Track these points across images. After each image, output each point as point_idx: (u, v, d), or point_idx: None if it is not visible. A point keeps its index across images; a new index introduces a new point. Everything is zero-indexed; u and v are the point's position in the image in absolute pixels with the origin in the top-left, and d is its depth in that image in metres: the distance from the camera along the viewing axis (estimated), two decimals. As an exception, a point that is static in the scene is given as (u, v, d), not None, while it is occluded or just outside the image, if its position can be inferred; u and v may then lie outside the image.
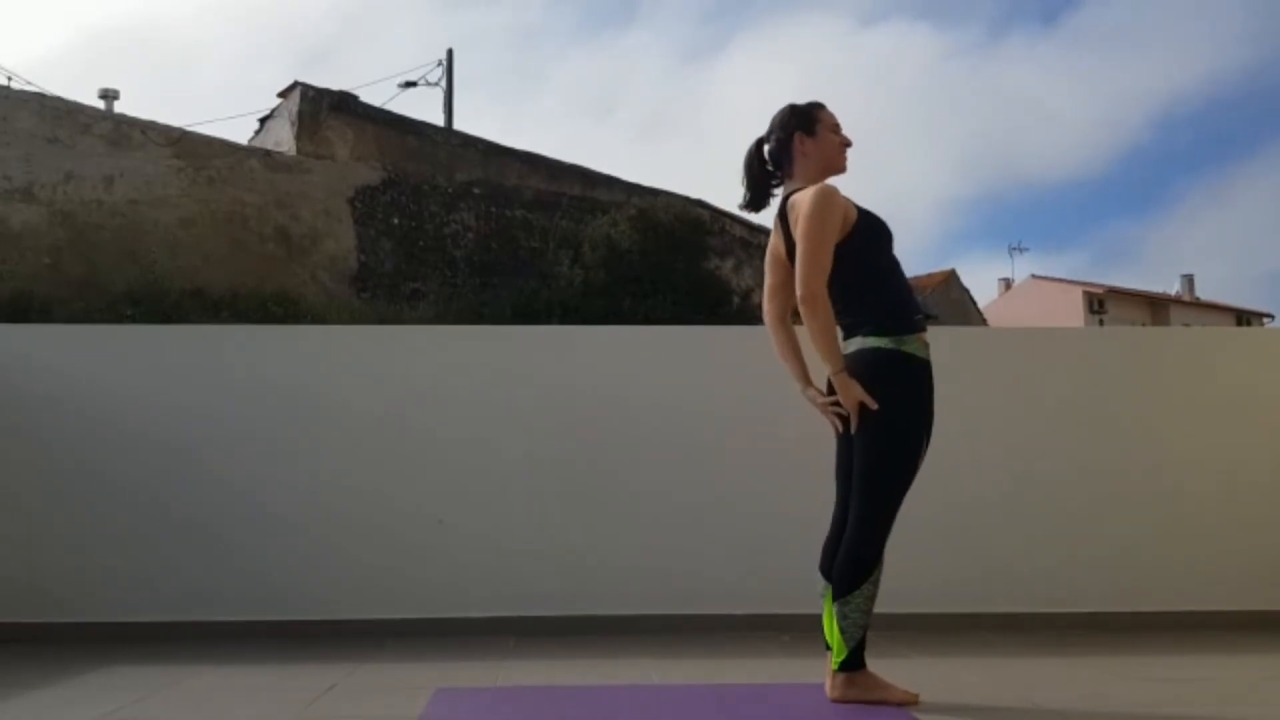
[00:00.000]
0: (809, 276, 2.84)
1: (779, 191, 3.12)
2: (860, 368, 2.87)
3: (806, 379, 3.05)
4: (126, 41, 53.70)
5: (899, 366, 2.86)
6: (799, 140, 3.03)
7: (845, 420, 2.89)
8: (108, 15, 50.47)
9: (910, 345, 2.88)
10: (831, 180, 3.01)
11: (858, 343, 2.92)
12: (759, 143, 3.11)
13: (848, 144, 3.08)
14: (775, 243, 3.08)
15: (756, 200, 3.14)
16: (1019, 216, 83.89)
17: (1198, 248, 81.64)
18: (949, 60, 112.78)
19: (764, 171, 3.10)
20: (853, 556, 2.84)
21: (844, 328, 2.98)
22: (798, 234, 2.90)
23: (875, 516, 2.85)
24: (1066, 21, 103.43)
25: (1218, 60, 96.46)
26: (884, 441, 2.83)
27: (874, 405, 2.80)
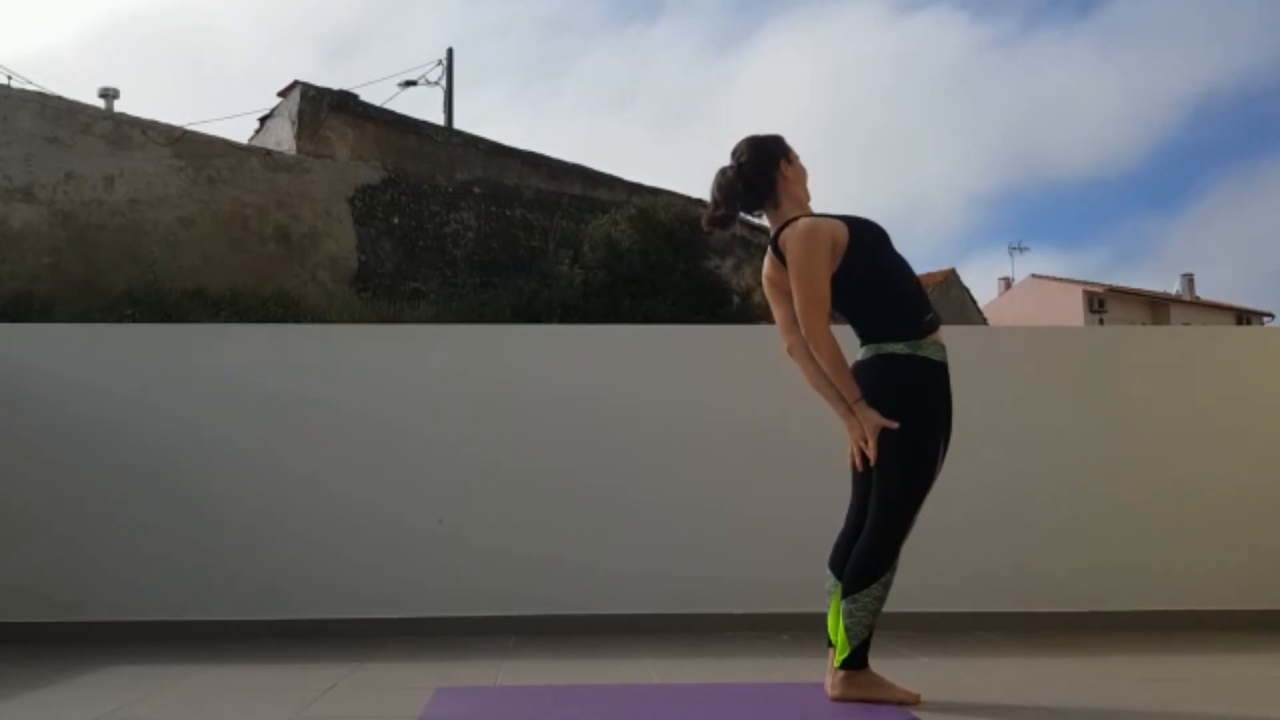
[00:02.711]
0: (810, 318, 2.86)
1: (753, 216, 3.11)
2: (877, 374, 2.87)
3: (847, 405, 2.91)
4: (150, 30, 53.73)
5: (916, 371, 2.86)
6: (783, 167, 3.01)
7: (866, 453, 2.86)
8: (126, 6, 50.53)
9: (926, 349, 2.87)
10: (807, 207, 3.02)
11: (873, 349, 2.91)
12: (733, 168, 3.04)
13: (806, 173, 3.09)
14: (775, 276, 3.02)
15: (728, 218, 3.08)
16: (1042, 213, 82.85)
17: (1221, 245, 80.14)
18: (984, 52, 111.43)
19: (738, 193, 3.03)
20: (868, 557, 2.83)
21: (859, 334, 2.98)
22: (791, 277, 2.90)
23: (893, 521, 2.84)
24: (1102, 13, 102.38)
25: (1253, 53, 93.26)
26: (904, 447, 2.82)
27: (895, 426, 2.79)
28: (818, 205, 3.07)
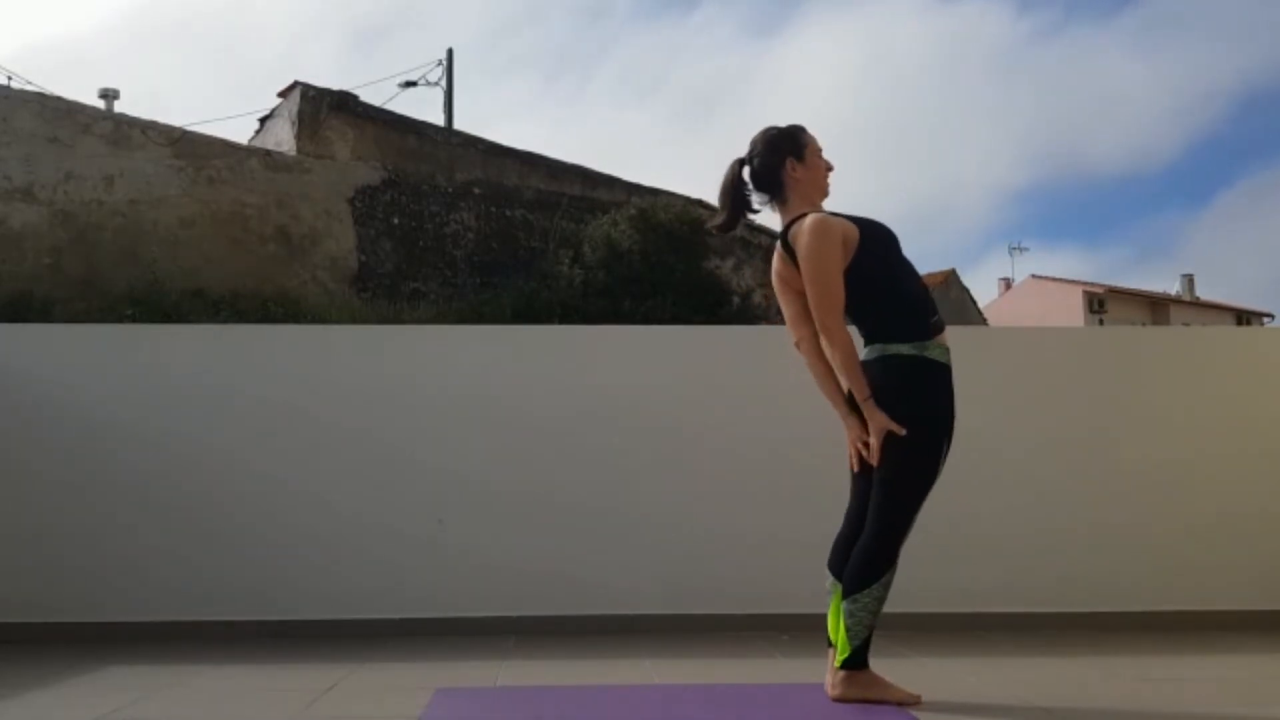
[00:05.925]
0: (824, 315, 2.87)
1: (758, 211, 3.11)
2: (882, 374, 2.87)
3: (850, 406, 2.92)
4: (171, 19, 53.60)
5: (921, 372, 2.86)
6: (791, 166, 3.01)
7: (866, 452, 2.86)
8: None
9: (932, 351, 2.88)
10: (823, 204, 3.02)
11: (878, 349, 2.91)
12: (740, 163, 3.07)
13: (830, 168, 3.07)
14: (785, 272, 3.02)
15: (732, 221, 3.09)
16: (1071, 209, 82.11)
17: (1243, 244, 78.89)
18: (1028, 44, 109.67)
19: (743, 195, 3.07)
20: (867, 558, 2.84)
21: (864, 335, 2.98)
22: (803, 274, 2.90)
23: (894, 522, 2.85)
24: (1140, 4, 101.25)
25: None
26: (906, 448, 2.81)
27: (902, 432, 2.79)
28: (843, 199, 3.06)
